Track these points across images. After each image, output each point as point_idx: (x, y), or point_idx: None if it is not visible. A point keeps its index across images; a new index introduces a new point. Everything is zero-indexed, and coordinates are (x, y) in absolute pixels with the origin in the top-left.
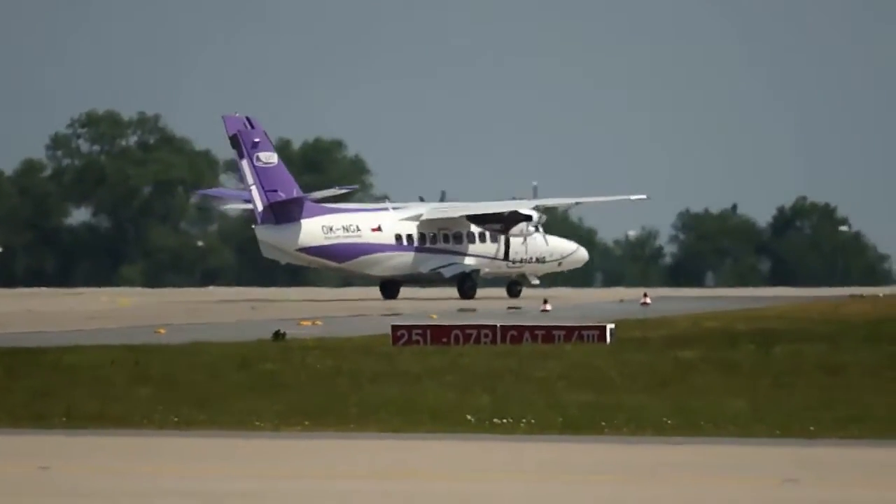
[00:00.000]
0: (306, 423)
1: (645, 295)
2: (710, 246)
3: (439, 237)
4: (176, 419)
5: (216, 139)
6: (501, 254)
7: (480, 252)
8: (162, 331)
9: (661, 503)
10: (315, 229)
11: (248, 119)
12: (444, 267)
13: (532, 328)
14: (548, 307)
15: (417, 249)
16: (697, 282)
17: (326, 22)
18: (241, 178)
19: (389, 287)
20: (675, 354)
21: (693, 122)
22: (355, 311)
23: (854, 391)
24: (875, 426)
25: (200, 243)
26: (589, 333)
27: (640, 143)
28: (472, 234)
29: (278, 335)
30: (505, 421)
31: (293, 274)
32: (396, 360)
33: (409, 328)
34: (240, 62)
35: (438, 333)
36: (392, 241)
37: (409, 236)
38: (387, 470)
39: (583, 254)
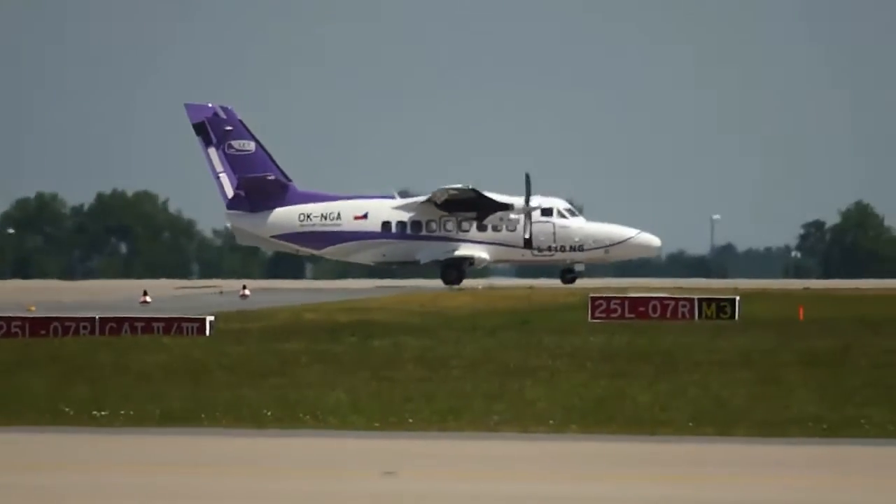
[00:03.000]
0: None
1: (244, 287)
2: None
3: (437, 225)
4: None
5: None
6: (518, 241)
7: (480, 239)
8: None
9: (257, 496)
10: (291, 217)
11: (222, 108)
12: (428, 255)
13: (132, 320)
14: (147, 299)
15: (404, 237)
16: (297, 274)
17: None
18: (210, 167)
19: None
20: (275, 346)
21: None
22: None
23: (453, 383)
24: (472, 418)
25: None
26: (189, 325)
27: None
28: (473, 222)
29: None
30: (104, 413)
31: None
32: None
33: (8, 320)
34: None
35: (37, 325)
36: (378, 228)
37: (401, 224)
38: None
39: (644, 240)
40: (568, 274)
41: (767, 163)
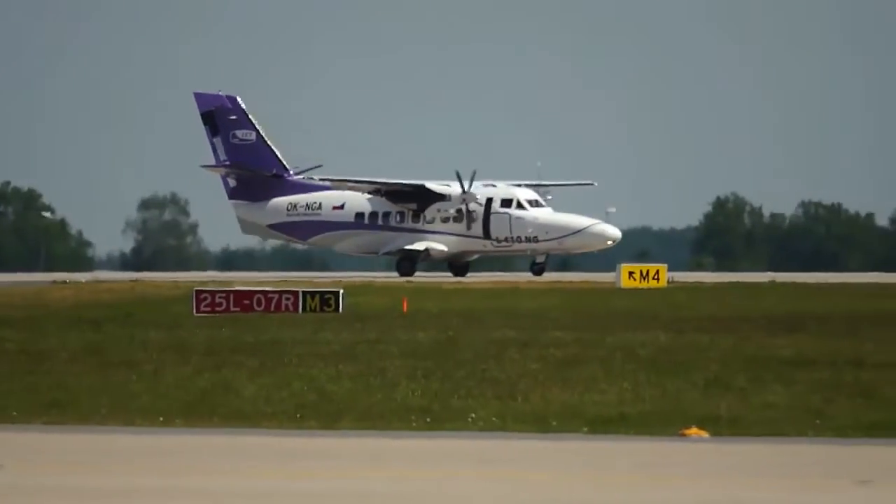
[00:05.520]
0: None
1: None
2: None
3: (405, 215)
4: None
5: None
6: (474, 232)
7: (441, 230)
8: None
9: None
10: (281, 207)
11: (228, 97)
12: (388, 247)
13: None
14: None
15: (371, 228)
16: None
17: None
18: (215, 156)
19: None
20: None
21: None
22: None
23: (56, 376)
24: (76, 412)
25: None
26: None
27: None
28: (428, 213)
29: None
30: None
31: None
32: None
33: None
34: None
35: None
36: (351, 219)
37: (373, 214)
38: None
39: (599, 230)
40: (535, 265)
41: None
